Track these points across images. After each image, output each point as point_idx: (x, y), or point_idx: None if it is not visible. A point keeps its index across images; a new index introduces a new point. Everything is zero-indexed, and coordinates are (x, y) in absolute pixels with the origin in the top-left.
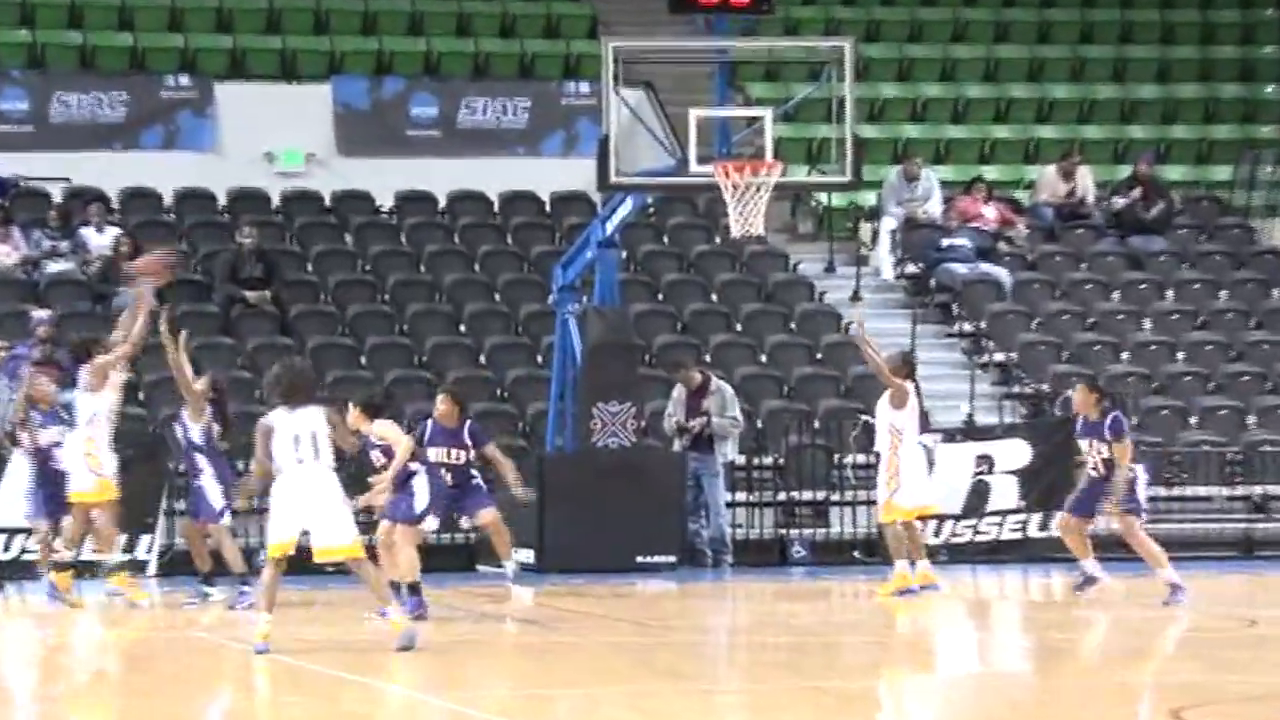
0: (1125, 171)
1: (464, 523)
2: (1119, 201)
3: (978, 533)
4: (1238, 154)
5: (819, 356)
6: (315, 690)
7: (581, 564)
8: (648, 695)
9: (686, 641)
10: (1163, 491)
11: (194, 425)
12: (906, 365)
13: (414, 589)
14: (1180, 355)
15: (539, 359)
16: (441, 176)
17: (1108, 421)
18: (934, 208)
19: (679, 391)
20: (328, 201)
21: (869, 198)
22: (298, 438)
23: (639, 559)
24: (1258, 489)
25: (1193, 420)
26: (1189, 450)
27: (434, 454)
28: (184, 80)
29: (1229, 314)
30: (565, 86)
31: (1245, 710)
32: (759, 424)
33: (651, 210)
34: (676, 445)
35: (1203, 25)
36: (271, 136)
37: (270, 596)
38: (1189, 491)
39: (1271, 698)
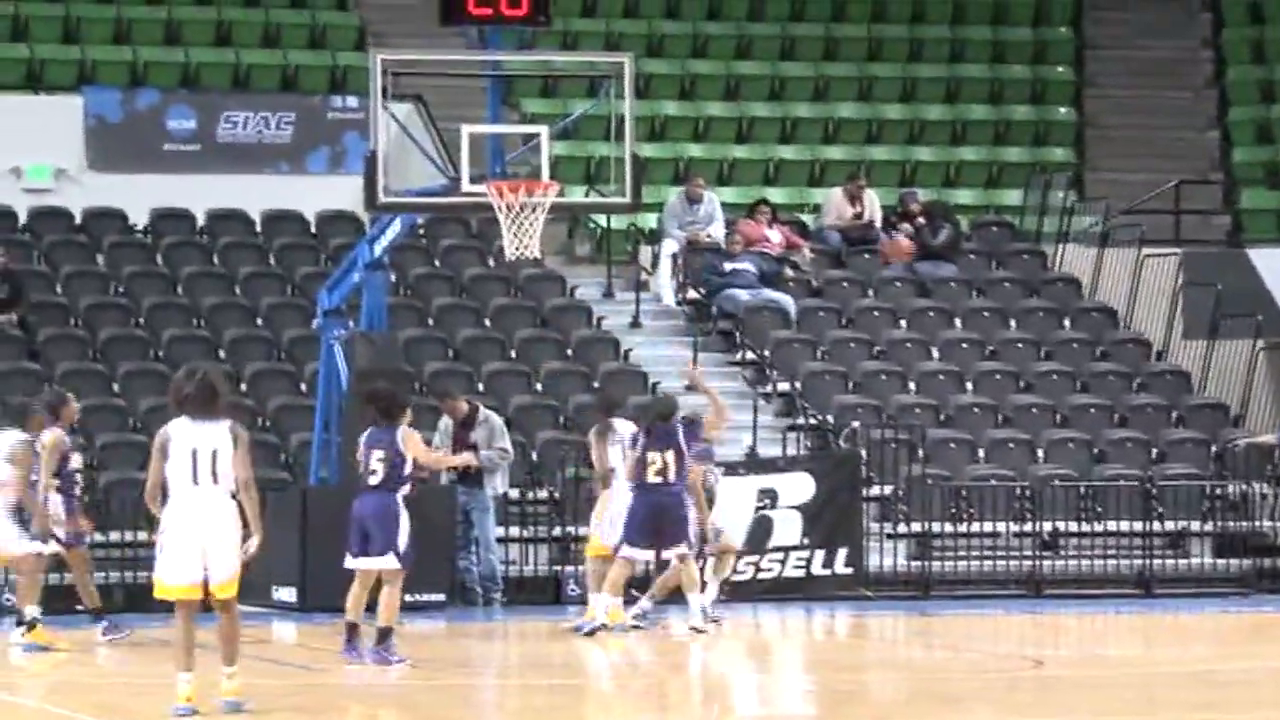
0: (915, 194)
1: None
2: (906, 227)
3: (760, 570)
4: (1028, 177)
5: (596, 385)
6: None
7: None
8: None
9: (453, 684)
10: (949, 527)
11: None
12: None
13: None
14: (969, 386)
15: (303, 387)
16: (200, 194)
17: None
18: (716, 231)
19: (445, 422)
20: (78, 219)
21: (649, 220)
22: (195, 453)
23: (406, 597)
24: (1046, 525)
25: (980, 453)
26: (976, 485)
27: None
28: None
29: (1019, 344)
30: (331, 100)
31: None
32: (534, 455)
33: (422, 231)
34: (444, 478)
35: (993, 44)
36: (18, 150)
37: (182, 649)
38: (976, 527)
39: None
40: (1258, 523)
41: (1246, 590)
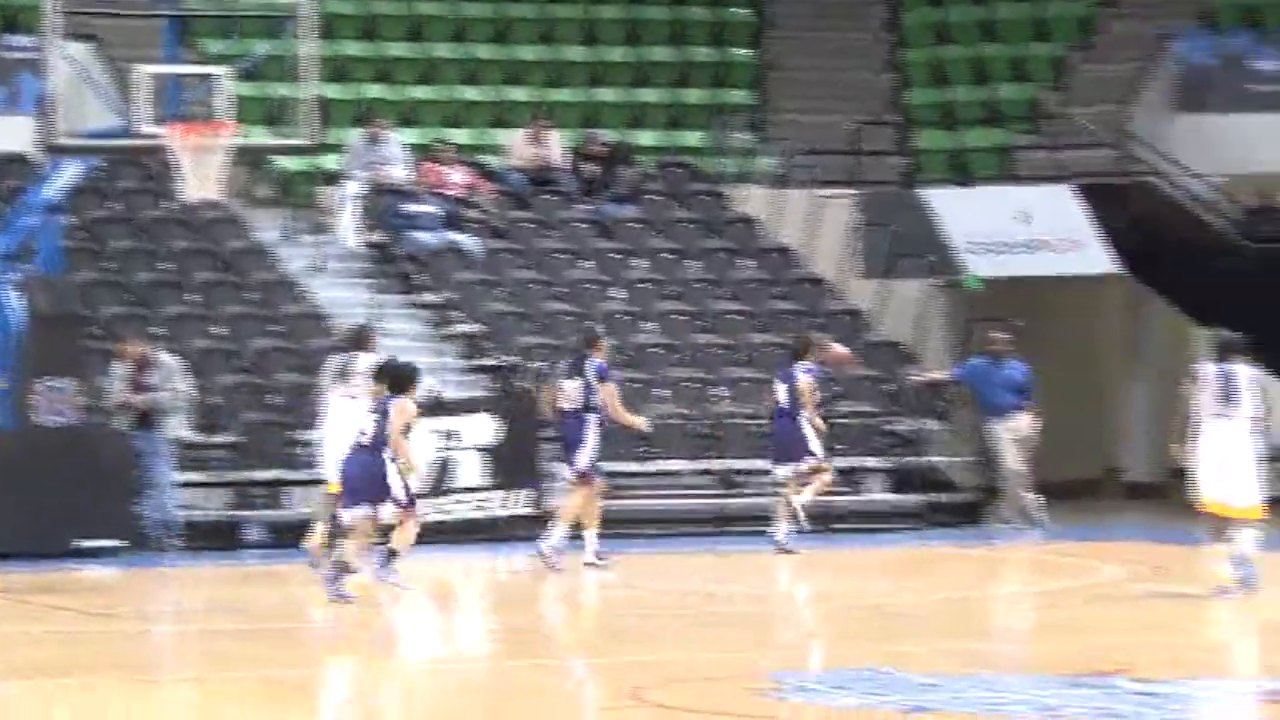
0: (598, 136)
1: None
2: (587, 168)
3: (442, 512)
4: (709, 119)
5: (278, 329)
6: None
7: (21, 548)
8: (89, 688)
9: (131, 630)
10: (633, 466)
11: None
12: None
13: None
14: (649, 325)
15: None
16: None
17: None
18: (399, 173)
19: (121, 366)
20: None
21: (331, 162)
22: None
23: (83, 543)
24: (727, 463)
25: (662, 392)
26: (657, 423)
27: None
28: None
29: (699, 283)
30: (4, 39)
31: (705, 688)
32: (214, 400)
33: (100, 173)
34: (120, 422)
35: None
36: None
37: None
38: (657, 466)
39: (730, 675)
40: (930, 459)
41: (920, 525)
